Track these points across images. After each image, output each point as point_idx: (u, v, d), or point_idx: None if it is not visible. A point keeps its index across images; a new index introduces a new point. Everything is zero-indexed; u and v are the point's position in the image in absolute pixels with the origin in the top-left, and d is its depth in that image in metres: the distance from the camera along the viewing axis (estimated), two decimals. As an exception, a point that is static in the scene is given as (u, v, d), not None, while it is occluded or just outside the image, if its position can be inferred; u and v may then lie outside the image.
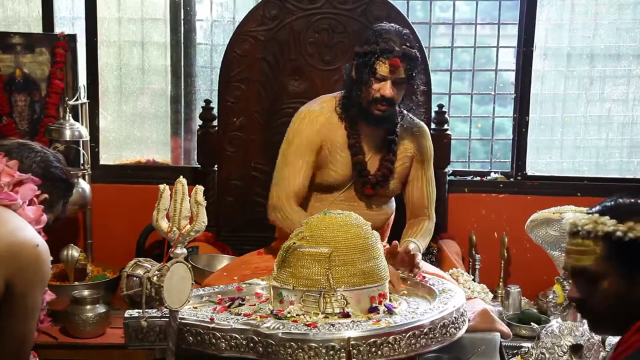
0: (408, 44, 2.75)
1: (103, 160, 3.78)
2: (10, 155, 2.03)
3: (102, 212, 3.64)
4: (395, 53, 2.72)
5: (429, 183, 3.01)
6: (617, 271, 1.69)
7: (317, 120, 2.88)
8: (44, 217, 2.01)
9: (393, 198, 3.09)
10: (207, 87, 3.83)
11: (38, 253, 1.87)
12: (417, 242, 2.83)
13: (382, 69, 2.73)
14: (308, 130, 2.86)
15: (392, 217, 3.09)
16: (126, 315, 2.29)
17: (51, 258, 1.98)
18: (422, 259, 3.14)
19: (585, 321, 2.39)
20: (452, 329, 2.30)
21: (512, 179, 3.73)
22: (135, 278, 2.14)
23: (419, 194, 2.99)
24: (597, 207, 1.75)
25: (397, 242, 2.68)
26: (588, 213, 1.75)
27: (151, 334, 2.26)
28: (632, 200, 1.76)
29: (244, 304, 2.47)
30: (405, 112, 2.94)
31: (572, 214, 1.80)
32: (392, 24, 2.87)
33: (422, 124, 3.06)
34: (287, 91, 3.45)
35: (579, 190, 3.66)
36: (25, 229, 1.91)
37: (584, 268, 1.72)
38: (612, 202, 1.76)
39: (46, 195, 2.06)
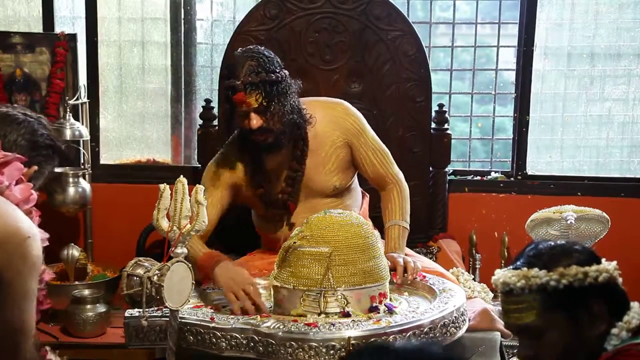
0: (254, 70, 2.57)
1: (103, 160, 3.78)
2: None
3: (102, 212, 3.64)
4: (237, 88, 2.57)
5: (376, 152, 2.85)
6: (560, 320, 1.65)
7: (219, 162, 2.81)
8: (34, 196, 1.94)
9: (358, 189, 3.00)
10: (207, 87, 3.83)
11: (27, 244, 1.79)
12: (400, 223, 2.78)
13: (238, 104, 2.61)
14: (213, 172, 2.81)
15: (364, 206, 3.03)
16: (126, 314, 2.29)
17: (47, 235, 1.92)
18: (421, 254, 3.16)
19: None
20: (453, 329, 2.31)
21: (512, 179, 3.73)
22: (135, 278, 2.15)
23: (373, 168, 2.85)
24: (521, 261, 1.72)
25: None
26: (514, 268, 1.71)
27: (151, 333, 2.26)
28: (552, 244, 1.73)
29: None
30: (306, 100, 2.80)
31: (498, 273, 1.74)
32: (248, 48, 2.69)
33: (338, 102, 2.90)
34: (287, 91, 3.44)
35: (579, 190, 3.65)
36: (11, 216, 1.80)
37: (527, 325, 1.68)
38: (534, 251, 1.72)
39: (35, 167, 2.01)
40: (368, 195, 3.10)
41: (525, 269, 1.68)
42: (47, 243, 1.96)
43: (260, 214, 2.92)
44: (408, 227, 2.84)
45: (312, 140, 2.78)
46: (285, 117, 2.64)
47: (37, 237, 1.84)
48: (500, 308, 3.25)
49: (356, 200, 2.98)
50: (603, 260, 1.71)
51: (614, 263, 1.70)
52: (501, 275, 1.72)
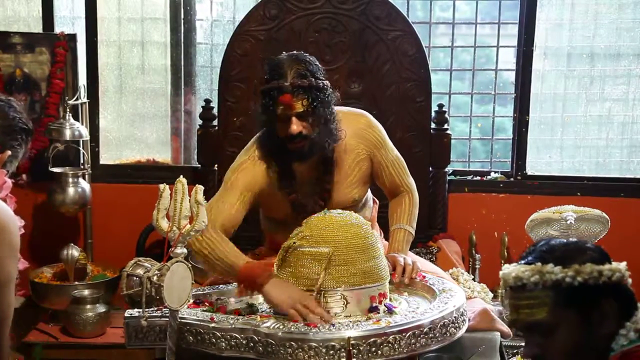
0: (301, 74, 2.50)
1: (103, 160, 3.78)
2: None
3: (102, 212, 3.65)
4: (284, 89, 2.49)
5: (395, 164, 2.80)
6: (572, 318, 1.64)
7: (247, 169, 2.68)
8: (8, 183, 1.93)
9: (370, 197, 2.97)
10: (207, 87, 3.83)
11: (7, 230, 1.76)
12: (406, 227, 2.76)
13: (279, 108, 2.51)
14: (242, 177, 2.67)
15: (373, 214, 3.00)
16: (126, 314, 2.29)
17: (22, 223, 1.89)
18: (421, 256, 3.16)
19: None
20: (452, 329, 2.30)
21: (512, 179, 3.73)
22: (135, 278, 2.15)
23: (391, 179, 2.81)
24: (533, 256, 1.69)
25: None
26: (526, 263, 1.69)
27: (151, 333, 2.26)
28: (564, 241, 1.72)
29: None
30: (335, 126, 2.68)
31: (508, 268, 1.71)
32: (292, 52, 2.62)
33: (361, 114, 2.82)
34: (287, 91, 3.44)
35: (579, 190, 3.66)
36: None
37: (537, 322, 1.65)
38: (547, 247, 1.70)
39: (8, 152, 1.98)
40: (378, 202, 3.07)
41: (539, 264, 1.66)
42: (22, 231, 1.92)
43: (279, 218, 2.81)
44: (413, 234, 2.81)
45: (337, 151, 2.70)
46: (324, 126, 2.57)
47: (16, 223, 1.82)
48: (499, 308, 3.26)
49: (368, 207, 2.95)
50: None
51: (624, 263, 1.69)
52: (513, 269, 1.69)
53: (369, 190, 2.94)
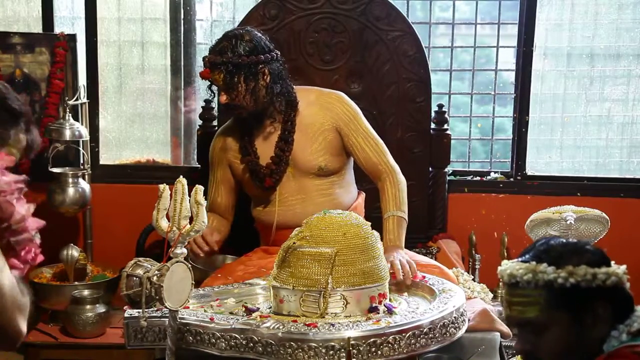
0: (221, 51, 2.79)
1: (103, 160, 3.78)
2: None
3: (102, 212, 3.64)
4: (205, 64, 2.85)
5: (368, 140, 2.94)
6: (563, 318, 1.64)
7: (218, 139, 3.07)
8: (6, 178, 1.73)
9: (353, 183, 3.07)
10: (207, 87, 3.82)
11: None
12: (396, 213, 2.84)
13: (202, 78, 2.89)
14: (212, 150, 3.09)
15: (359, 201, 3.07)
16: (126, 315, 2.29)
17: (40, 224, 1.81)
18: (421, 254, 3.16)
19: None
20: (452, 329, 2.30)
21: (512, 179, 3.73)
22: (135, 278, 2.14)
23: (365, 155, 2.94)
24: (530, 254, 1.70)
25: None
26: (523, 261, 1.70)
27: (151, 334, 2.26)
28: (563, 241, 1.72)
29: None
30: (305, 88, 3.03)
31: (505, 264, 1.73)
32: (237, 28, 2.96)
33: (333, 92, 3.03)
34: (287, 91, 3.44)
35: (579, 190, 3.66)
36: None
37: (529, 320, 1.67)
38: (545, 246, 1.70)
39: None
40: (364, 194, 3.11)
41: (534, 263, 1.66)
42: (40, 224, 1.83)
43: (253, 195, 3.05)
44: (405, 217, 2.86)
45: (301, 121, 2.93)
46: (257, 97, 2.83)
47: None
48: (499, 308, 3.27)
49: (348, 192, 3.03)
50: (612, 263, 1.69)
51: (624, 267, 1.68)
52: (508, 266, 1.70)
53: (351, 176, 3.06)
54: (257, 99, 2.84)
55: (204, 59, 2.86)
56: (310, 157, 2.93)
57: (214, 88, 2.94)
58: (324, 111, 2.95)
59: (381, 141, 2.98)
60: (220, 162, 3.05)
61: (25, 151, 1.93)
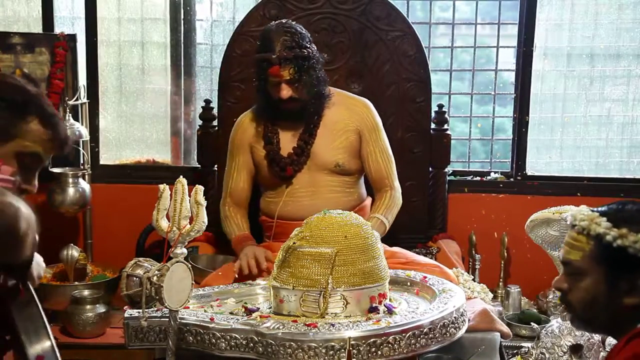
0: (288, 45, 2.84)
1: (103, 160, 3.78)
2: None
3: (102, 212, 3.65)
4: (273, 62, 2.85)
5: (383, 153, 3.08)
6: (600, 273, 1.70)
7: (242, 124, 3.12)
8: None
9: (363, 185, 3.14)
10: (207, 87, 3.83)
11: None
12: (380, 217, 2.97)
13: (269, 76, 2.88)
14: (234, 135, 3.13)
15: (365, 204, 3.12)
16: (126, 315, 2.29)
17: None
18: (421, 254, 3.17)
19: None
20: (452, 329, 2.30)
21: (512, 179, 3.73)
22: (135, 278, 2.15)
23: (377, 166, 3.07)
24: (604, 207, 1.76)
25: None
26: (593, 211, 1.76)
27: (151, 334, 2.26)
28: (639, 207, 1.75)
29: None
30: (334, 89, 3.06)
31: (576, 209, 1.81)
32: (280, 22, 2.96)
33: (361, 99, 3.14)
34: (287, 91, 3.45)
35: (579, 190, 3.66)
36: None
37: (570, 261, 1.76)
38: (619, 206, 1.75)
39: None
40: (371, 199, 3.14)
41: (597, 214, 1.73)
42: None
43: (266, 183, 3.10)
44: (387, 226, 3.00)
45: (326, 118, 3.02)
46: (313, 88, 2.91)
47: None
48: (499, 308, 3.27)
49: (357, 194, 3.11)
50: None
51: None
52: (576, 210, 1.79)
53: (362, 183, 3.13)
54: (313, 90, 2.91)
55: (266, 58, 2.85)
56: (330, 153, 3.01)
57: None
58: (350, 113, 3.05)
59: (394, 161, 3.12)
60: (242, 147, 3.09)
61: (48, 145, 1.74)
